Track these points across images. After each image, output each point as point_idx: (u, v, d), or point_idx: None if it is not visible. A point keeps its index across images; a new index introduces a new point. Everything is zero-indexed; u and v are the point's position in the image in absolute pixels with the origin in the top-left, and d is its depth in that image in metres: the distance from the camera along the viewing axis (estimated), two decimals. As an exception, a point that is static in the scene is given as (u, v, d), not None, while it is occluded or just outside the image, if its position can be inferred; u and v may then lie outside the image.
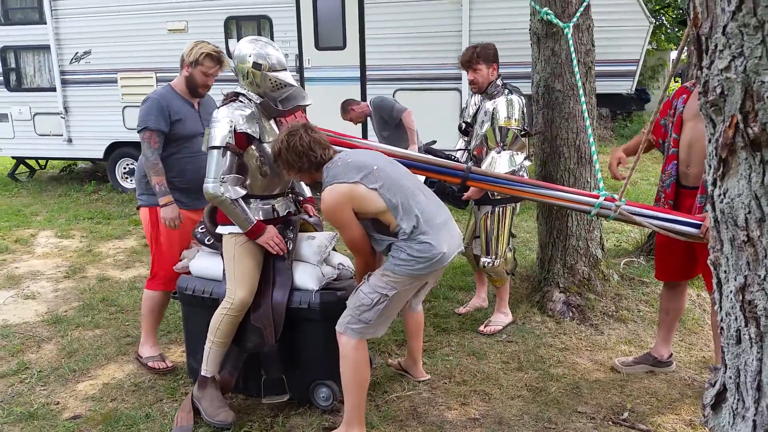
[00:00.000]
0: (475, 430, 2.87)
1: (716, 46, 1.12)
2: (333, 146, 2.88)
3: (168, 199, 3.26)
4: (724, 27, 1.09)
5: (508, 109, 3.60)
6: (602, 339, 3.78)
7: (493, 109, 3.64)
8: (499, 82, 3.73)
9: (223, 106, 2.90)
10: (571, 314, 4.01)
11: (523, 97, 3.71)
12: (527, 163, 3.71)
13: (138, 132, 3.29)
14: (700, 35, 1.18)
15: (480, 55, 3.68)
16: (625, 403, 3.07)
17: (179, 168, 3.34)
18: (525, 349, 3.65)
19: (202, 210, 3.35)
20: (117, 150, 8.31)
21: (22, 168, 9.73)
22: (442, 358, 3.54)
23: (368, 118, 5.79)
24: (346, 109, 5.63)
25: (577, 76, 3.58)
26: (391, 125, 5.49)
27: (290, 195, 3.19)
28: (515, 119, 3.59)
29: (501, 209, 3.76)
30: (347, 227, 2.66)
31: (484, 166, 3.58)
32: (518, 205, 3.84)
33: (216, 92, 3.29)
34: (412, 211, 2.64)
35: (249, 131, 2.85)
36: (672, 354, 3.40)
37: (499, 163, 3.57)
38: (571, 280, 4.15)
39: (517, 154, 3.64)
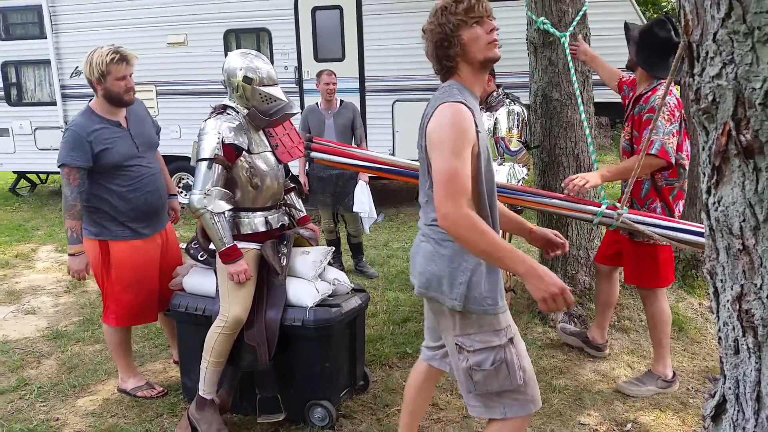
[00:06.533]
0: (476, 443, 2.85)
1: (707, 53, 1.12)
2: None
3: (77, 249, 3.02)
4: (714, 34, 1.08)
5: (509, 120, 3.58)
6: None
7: (495, 120, 3.61)
8: (499, 92, 3.71)
9: (210, 118, 2.88)
10: (572, 324, 3.98)
11: (524, 108, 3.69)
12: (524, 172, 3.69)
13: (58, 167, 3.05)
14: (691, 42, 1.17)
15: None
16: (629, 414, 3.04)
17: (123, 199, 3.10)
18: (526, 360, 3.62)
19: (156, 236, 3.25)
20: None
21: (23, 183, 9.76)
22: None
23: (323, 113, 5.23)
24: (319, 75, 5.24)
25: (575, 85, 3.58)
26: (346, 137, 5.15)
27: (284, 208, 3.17)
28: (517, 130, 3.58)
29: None
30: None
31: None
32: None
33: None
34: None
35: (236, 142, 2.82)
36: (607, 341, 3.64)
37: (498, 173, 3.55)
38: (572, 290, 4.13)
39: (520, 166, 3.61)
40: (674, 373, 3.32)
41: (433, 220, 2.00)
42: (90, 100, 3.17)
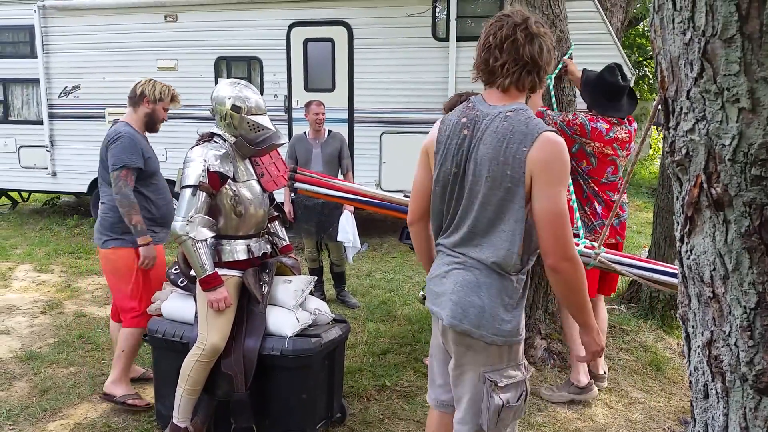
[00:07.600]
0: (452, 479, 2.83)
1: (681, 108, 1.17)
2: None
3: (148, 239, 3.35)
4: (688, 92, 1.14)
5: None
6: (582, 387, 3.76)
7: None
8: None
9: (197, 146, 2.91)
10: (552, 361, 4.00)
11: None
12: None
13: (114, 170, 3.29)
14: (667, 98, 1.23)
15: None
16: (604, 453, 3.05)
17: (156, 205, 3.47)
18: (505, 396, 3.62)
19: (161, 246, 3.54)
20: (102, 185, 8.29)
21: (3, 200, 9.66)
22: (421, 405, 3.51)
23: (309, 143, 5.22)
24: (308, 106, 5.25)
25: (558, 126, 3.65)
26: (333, 166, 5.20)
27: (266, 236, 3.18)
28: None
29: None
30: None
31: None
32: None
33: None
34: None
35: (222, 170, 2.84)
36: (591, 382, 3.56)
37: None
38: (553, 327, 4.16)
39: None
40: (590, 381, 3.51)
41: (495, 254, 1.94)
42: (115, 121, 3.53)
